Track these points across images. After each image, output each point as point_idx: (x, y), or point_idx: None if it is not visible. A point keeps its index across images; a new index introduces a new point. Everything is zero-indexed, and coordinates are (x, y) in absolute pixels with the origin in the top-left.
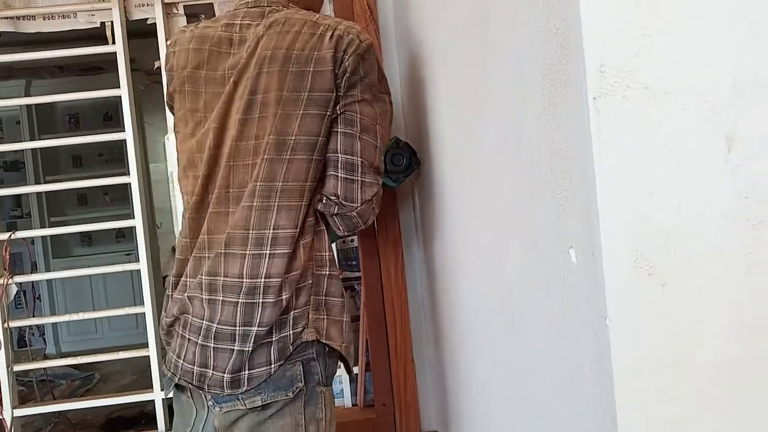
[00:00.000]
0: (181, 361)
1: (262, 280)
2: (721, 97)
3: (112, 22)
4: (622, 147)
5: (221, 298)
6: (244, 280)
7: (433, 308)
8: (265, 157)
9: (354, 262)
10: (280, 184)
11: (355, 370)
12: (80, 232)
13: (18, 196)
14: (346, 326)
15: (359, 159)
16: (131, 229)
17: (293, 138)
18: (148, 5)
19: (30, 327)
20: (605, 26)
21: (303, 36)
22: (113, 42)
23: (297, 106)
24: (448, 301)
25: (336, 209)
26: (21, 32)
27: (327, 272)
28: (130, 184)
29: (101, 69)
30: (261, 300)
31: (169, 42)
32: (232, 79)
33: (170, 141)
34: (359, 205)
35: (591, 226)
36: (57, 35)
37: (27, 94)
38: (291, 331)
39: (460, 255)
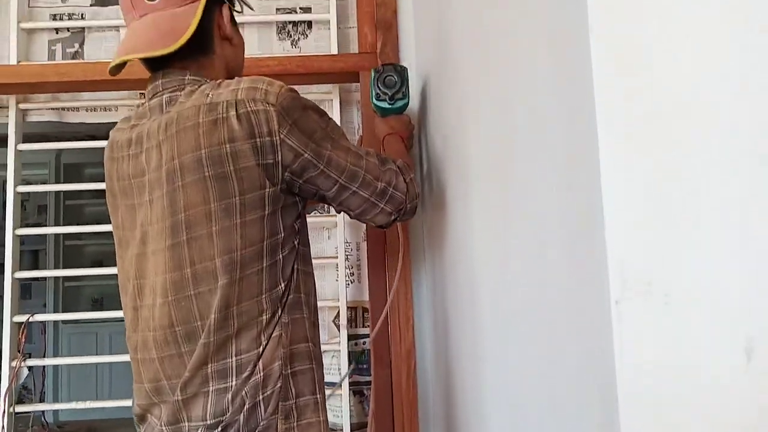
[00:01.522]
0: None
1: (228, 415)
2: (741, 303)
3: None
4: (644, 358)
5: None
6: (208, 421)
7: (447, 425)
8: (218, 285)
9: (365, 366)
10: (235, 308)
11: None
12: (92, 297)
13: (35, 256)
14: (324, 427)
15: (363, 172)
16: None
17: (239, 254)
18: None
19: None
20: (628, 234)
21: (204, 128)
22: None
23: (232, 217)
24: (464, 419)
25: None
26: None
27: (298, 368)
28: None
29: None
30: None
31: None
32: (145, 197)
33: None
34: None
35: None
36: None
37: (57, 159)
38: None
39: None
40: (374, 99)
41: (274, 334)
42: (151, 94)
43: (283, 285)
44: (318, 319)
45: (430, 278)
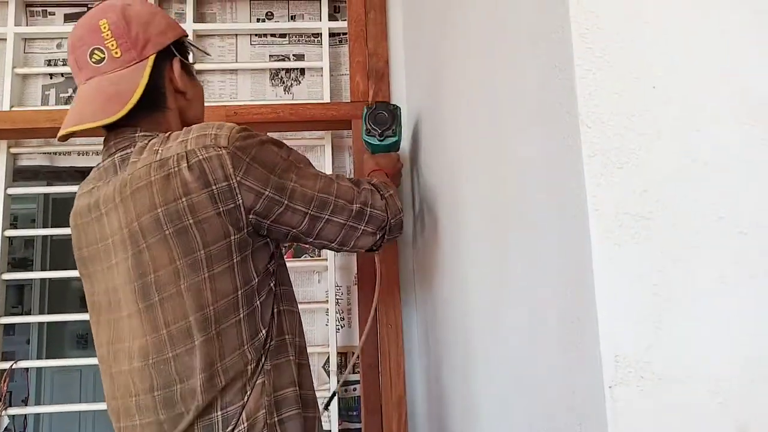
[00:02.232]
0: None
1: None
2: (733, 387)
3: None
4: None
5: None
6: None
7: None
8: (195, 344)
9: (355, 413)
10: (219, 366)
11: None
12: (77, 334)
13: (21, 293)
14: None
15: (334, 198)
16: None
17: (212, 309)
18: None
19: None
20: (620, 318)
21: (157, 185)
22: None
23: (199, 272)
24: None
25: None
26: (55, 165)
27: (285, 414)
28: None
29: None
30: None
31: None
32: (112, 260)
33: None
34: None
35: None
36: None
37: (46, 200)
38: None
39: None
40: (364, 134)
41: (257, 382)
42: (106, 155)
43: (264, 331)
44: (307, 358)
45: (422, 324)
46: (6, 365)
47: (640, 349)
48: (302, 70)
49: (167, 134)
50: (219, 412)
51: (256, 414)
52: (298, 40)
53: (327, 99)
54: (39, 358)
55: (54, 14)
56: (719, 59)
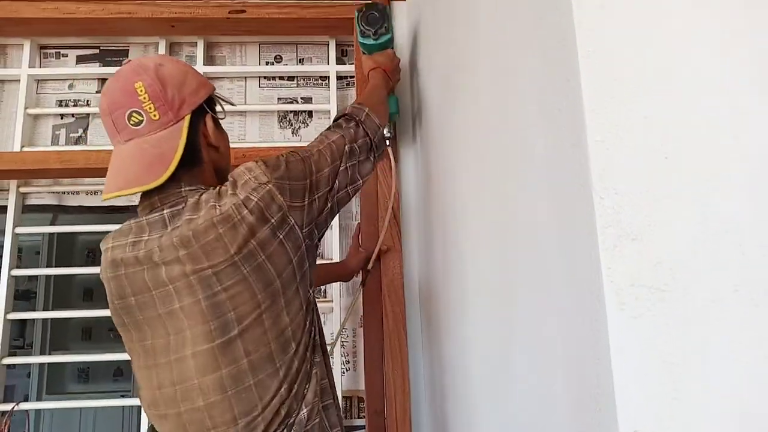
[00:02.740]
0: None
1: None
2: None
3: None
4: None
5: None
6: None
7: None
8: (276, 366)
9: None
10: (296, 376)
11: None
12: (78, 368)
13: (23, 326)
14: None
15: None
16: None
17: (290, 329)
18: None
19: None
20: (637, 392)
21: (227, 236)
22: None
23: (278, 300)
24: None
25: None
26: (64, 204)
27: (325, 401)
28: None
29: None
30: None
31: None
32: (173, 305)
33: None
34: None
35: None
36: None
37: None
38: None
39: None
40: (359, 37)
41: (313, 372)
42: (148, 209)
43: (314, 333)
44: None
45: (428, 370)
46: (8, 407)
47: (658, 423)
48: (310, 113)
49: (217, 190)
50: (293, 418)
51: (312, 402)
52: (306, 83)
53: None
54: (39, 392)
55: (67, 56)
56: (730, 131)
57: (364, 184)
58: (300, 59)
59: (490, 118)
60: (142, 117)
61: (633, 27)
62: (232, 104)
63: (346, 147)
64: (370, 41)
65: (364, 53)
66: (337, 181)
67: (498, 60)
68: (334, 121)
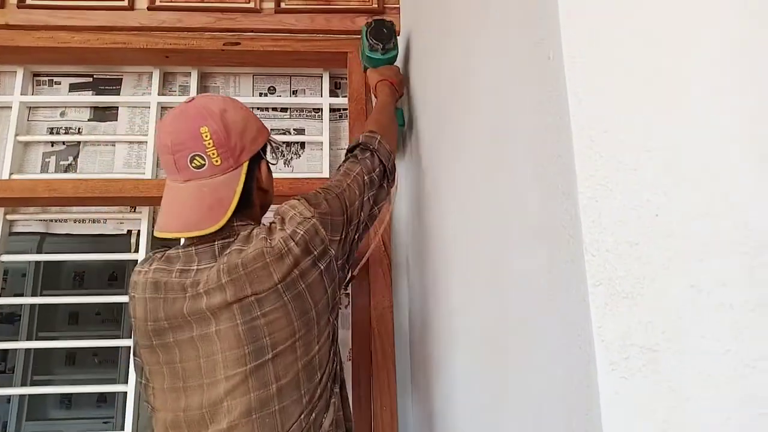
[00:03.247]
0: None
1: None
2: None
3: (138, 230)
4: None
5: None
6: None
7: None
8: (301, 392)
9: None
10: (317, 400)
11: None
12: (61, 398)
13: (5, 350)
14: None
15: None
16: (113, 395)
17: (317, 357)
18: None
19: None
20: None
21: (273, 266)
22: (136, 249)
23: (312, 328)
24: None
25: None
26: (51, 232)
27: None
28: (130, 347)
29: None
30: None
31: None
32: (210, 329)
33: None
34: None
35: None
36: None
37: (39, 249)
38: None
39: None
40: (367, 51)
41: (331, 402)
42: (197, 240)
43: (337, 361)
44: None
45: (417, 415)
46: None
47: None
48: (302, 144)
49: (268, 226)
50: None
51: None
52: (299, 115)
53: (326, 173)
54: (19, 418)
55: (60, 83)
56: (720, 191)
57: (380, 212)
58: (293, 91)
59: (484, 161)
60: (205, 161)
61: (623, 81)
62: (281, 145)
63: (366, 177)
64: (377, 55)
65: (367, 67)
66: (362, 213)
67: (491, 112)
68: (349, 151)
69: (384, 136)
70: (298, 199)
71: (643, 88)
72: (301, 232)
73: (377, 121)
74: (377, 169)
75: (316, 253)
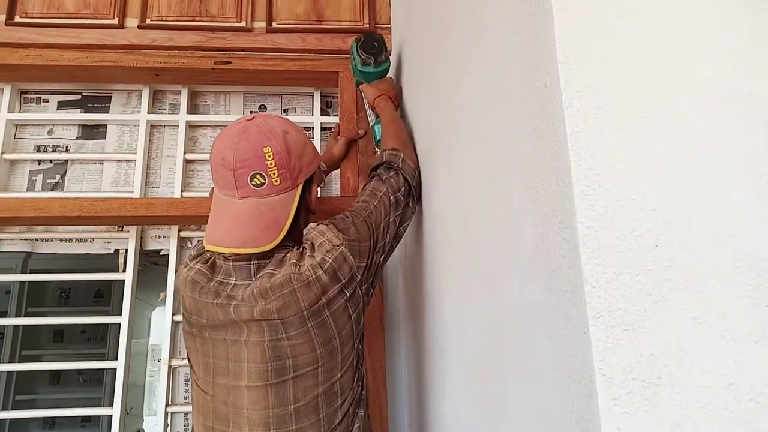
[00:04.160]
0: None
1: None
2: None
3: (126, 250)
4: None
5: None
6: None
7: None
8: (321, 415)
9: None
10: (337, 425)
11: None
12: (44, 418)
13: None
14: None
15: (382, 209)
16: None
17: (338, 384)
18: (164, 237)
19: None
20: None
21: (300, 292)
22: (124, 269)
23: (336, 356)
24: None
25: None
26: (36, 251)
27: None
28: (116, 369)
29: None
30: None
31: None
32: (242, 337)
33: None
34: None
35: None
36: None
37: (24, 267)
38: None
39: None
40: (359, 66)
41: (355, 427)
42: (237, 258)
43: (361, 386)
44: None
45: None
46: None
47: None
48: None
49: (300, 251)
50: None
51: None
52: None
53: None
54: None
55: (48, 101)
56: (720, 220)
57: (405, 231)
58: (284, 109)
59: (476, 190)
60: (265, 180)
61: (621, 110)
62: (323, 186)
63: (392, 198)
64: (370, 69)
65: (361, 82)
66: (388, 234)
67: (485, 136)
68: (373, 169)
69: (406, 152)
70: (327, 225)
71: (642, 117)
72: (330, 260)
73: (396, 137)
74: (402, 188)
75: (344, 281)
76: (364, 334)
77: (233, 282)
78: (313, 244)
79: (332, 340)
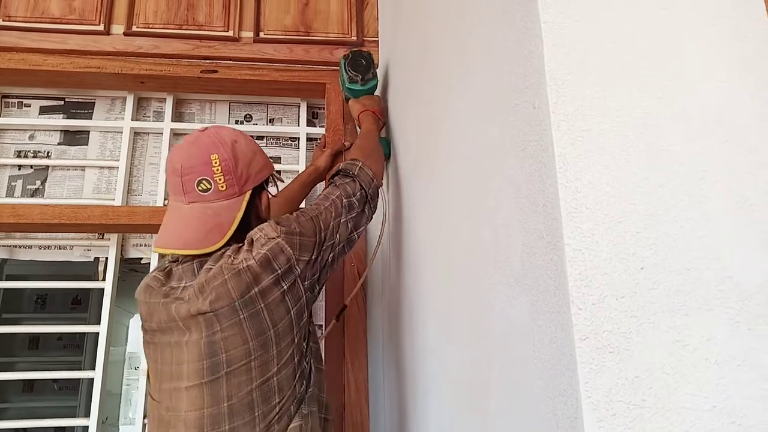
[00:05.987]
0: None
1: None
2: None
3: (106, 258)
4: None
5: None
6: None
7: None
8: (254, 415)
9: None
10: (274, 423)
11: None
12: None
13: None
14: None
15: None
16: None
17: (275, 380)
18: (145, 245)
19: None
20: None
21: (232, 281)
22: (103, 277)
23: (270, 349)
24: None
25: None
26: (15, 258)
27: None
28: (93, 379)
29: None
30: None
31: None
32: (184, 338)
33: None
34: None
35: None
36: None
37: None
38: None
39: None
40: (347, 83)
41: (292, 425)
42: (183, 260)
43: (305, 386)
44: (333, 415)
45: None
46: None
47: None
48: (278, 172)
49: (237, 246)
50: None
51: None
52: (276, 143)
53: (302, 204)
54: None
55: (30, 106)
56: (703, 244)
57: (359, 236)
58: (270, 119)
59: (463, 206)
60: (211, 186)
61: (608, 134)
62: (275, 195)
63: (345, 201)
64: (357, 86)
65: (348, 98)
66: (338, 235)
67: (472, 155)
68: (330, 177)
69: (366, 162)
70: (268, 222)
71: (629, 141)
72: (264, 251)
73: (360, 148)
74: (357, 194)
75: (280, 271)
76: (346, 346)
77: (183, 285)
78: (251, 240)
79: (266, 332)
